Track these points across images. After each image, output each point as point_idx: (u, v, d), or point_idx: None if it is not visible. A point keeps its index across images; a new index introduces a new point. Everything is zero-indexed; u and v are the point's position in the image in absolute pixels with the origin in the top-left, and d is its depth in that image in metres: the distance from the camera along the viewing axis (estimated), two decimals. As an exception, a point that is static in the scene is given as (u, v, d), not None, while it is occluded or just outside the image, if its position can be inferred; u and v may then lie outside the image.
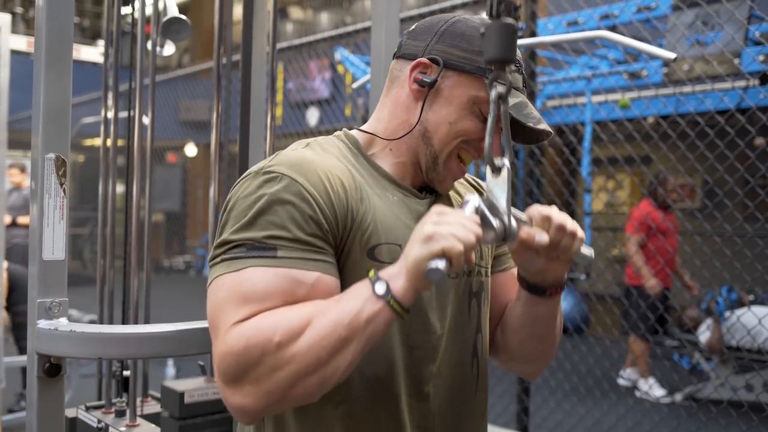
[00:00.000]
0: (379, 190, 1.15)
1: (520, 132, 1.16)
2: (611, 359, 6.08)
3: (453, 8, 4.34)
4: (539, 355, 1.29)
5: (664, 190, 5.49)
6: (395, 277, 0.96)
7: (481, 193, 1.34)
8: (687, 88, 4.95)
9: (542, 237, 1.04)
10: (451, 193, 1.28)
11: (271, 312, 0.98)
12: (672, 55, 2.22)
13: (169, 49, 2.29)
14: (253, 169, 1.10)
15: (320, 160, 1.10)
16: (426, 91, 1.16)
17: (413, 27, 1.23)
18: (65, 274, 1.36)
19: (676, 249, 5.62)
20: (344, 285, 1.05)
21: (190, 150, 15.24)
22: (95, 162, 13.94)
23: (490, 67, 1.11)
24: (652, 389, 5.46)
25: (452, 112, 1.15)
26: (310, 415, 1.11)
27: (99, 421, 1.75)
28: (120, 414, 1.77)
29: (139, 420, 1.74)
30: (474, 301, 1.22)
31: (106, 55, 2.01)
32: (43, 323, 1.32)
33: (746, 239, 5.74)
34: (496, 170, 1.02)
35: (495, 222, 0.99)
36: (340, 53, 7.76)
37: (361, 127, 1.25)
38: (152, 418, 1.84)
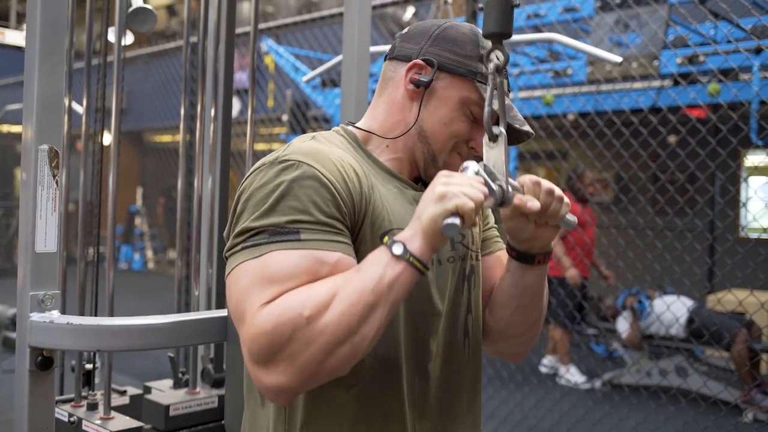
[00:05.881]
0: (382, 180, 1.21)
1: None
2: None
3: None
4: (527, 330, 1.35)
5: (582, 183, 5.71)
6: (410, 239, 1.01)
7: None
8: (609, 87, 5.17)
9: (534, 203, 1.10)
10: None
11: (295, 290, 1.00)
12: (618, 59, 2.35)
13: (128, 38, 2.26)
14: (266, 160, 1.12)
15: (331, 151, 1.15)
16: (422, 91, 1.22)
17: (405, 31, 1.29)
18: (57, 266, 1.36)
19: (594, 241, 5.85)
20: None
21: (105, 138, 14.74)
22: (5, 150, 13.32)
23: (480, 71, 1.20)
24: (573, 376, 5.69)
25: (446, 113, 1.22)
26: (322, 399, 1.14)
27: (71, 415, 1.73)
28: (91, 407, 1.76)
29: (113, 413, 1.73)
30: (466, 284, 1.29)
31: (71, 42, 1.97)
32: (36, 316, 1.32)
33: (657, 232, 6.04)
34: (494, 137, 1.08)
35: (494, 186, 1.05)
36: (267, 44, 7.70)
37: (356, 124, 1.30)
38: (119, 410, 1.83)
